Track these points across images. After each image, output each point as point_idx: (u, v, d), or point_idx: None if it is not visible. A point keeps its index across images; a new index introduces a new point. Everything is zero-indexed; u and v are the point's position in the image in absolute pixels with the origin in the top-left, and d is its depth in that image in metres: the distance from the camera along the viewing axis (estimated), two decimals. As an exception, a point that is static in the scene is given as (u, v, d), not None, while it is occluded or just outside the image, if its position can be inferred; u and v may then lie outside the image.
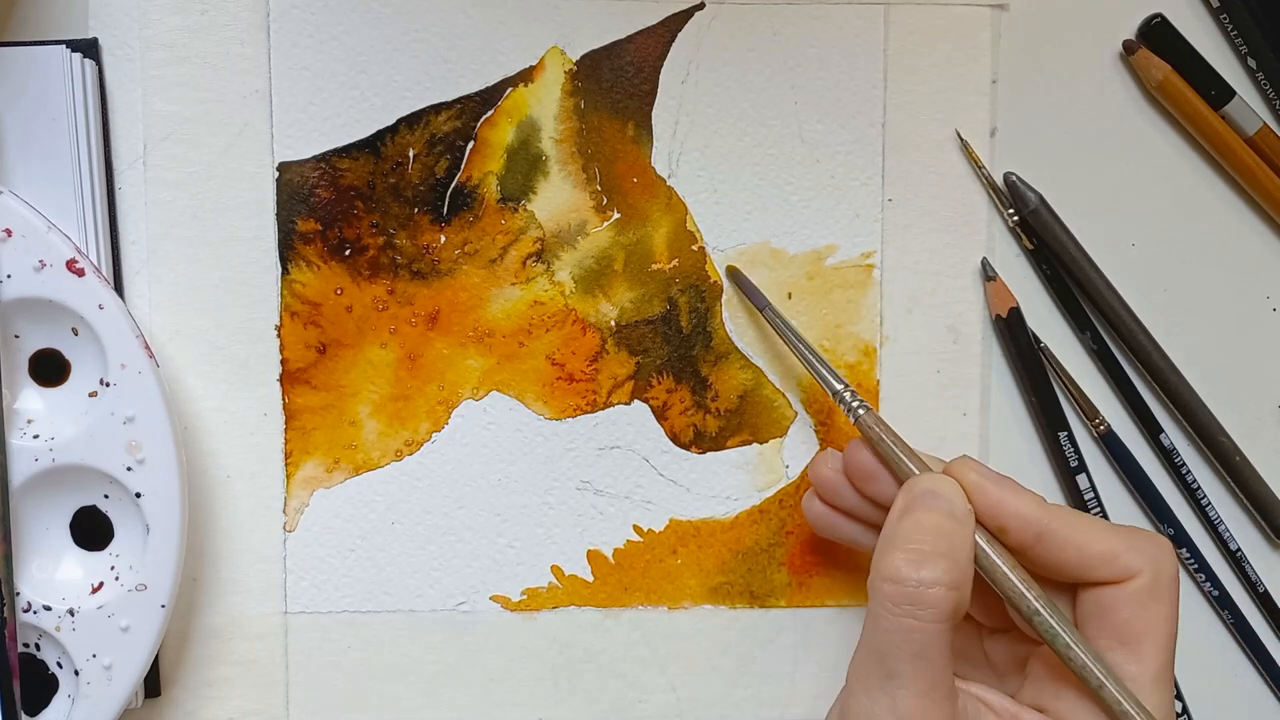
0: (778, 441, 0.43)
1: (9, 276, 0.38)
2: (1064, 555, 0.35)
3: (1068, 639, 0.34)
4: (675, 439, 0.43)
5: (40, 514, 0.40)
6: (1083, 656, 0.34)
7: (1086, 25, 0.43)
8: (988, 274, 0.43)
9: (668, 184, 0.43)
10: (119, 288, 0.41)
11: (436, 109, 0.42)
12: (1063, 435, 0.43)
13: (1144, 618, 0.35)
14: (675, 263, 0.43)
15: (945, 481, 0.36)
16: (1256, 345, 0.44)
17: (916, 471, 0.37)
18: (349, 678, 0.43)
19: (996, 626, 0.38)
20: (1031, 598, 0.35)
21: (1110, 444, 0.44)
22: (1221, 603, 0.44)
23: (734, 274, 0.42)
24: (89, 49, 0.40)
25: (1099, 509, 0.43)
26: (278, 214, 0.42)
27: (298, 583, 0.43)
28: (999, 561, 0.35)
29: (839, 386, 0.39)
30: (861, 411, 0.38)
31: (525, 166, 0.42)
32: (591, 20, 0.42)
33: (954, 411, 0.43)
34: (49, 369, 0.40)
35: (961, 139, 0.43)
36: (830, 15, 0.42)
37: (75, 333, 0.39)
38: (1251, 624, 0.44)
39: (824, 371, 0.39)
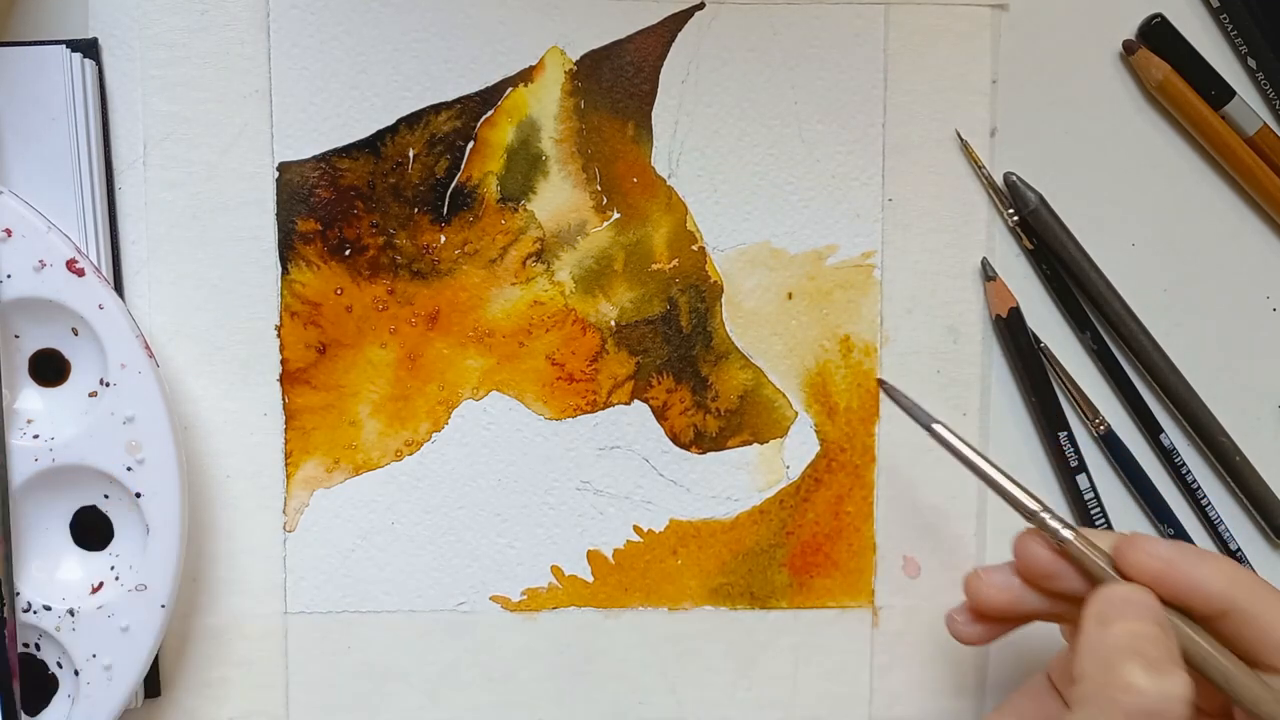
0: (778, 442, 0.43)
1: (9, 276, 0.38)
2: (1248, 635, 0.34)
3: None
4: (675, 439, 0.43)
5: (40, 514, 0.40)
6: None
7: (1086, 25, 0.43)
8: (988, 274, 0.43)
9: (668, 184, 0.43)
10: (119, 288, 0.41)
11: (436, 109, 0.42)
12: (1063, 435, 0.43)
13: None
14: (675, 263, 0.43)
15: (1140, 590, 0.35)
16: (1256, 345, 0.44)
17: (1114, 575, 0.35)
18: (349, 678, 0.43)
19: (1213, 712, 0.37)
20: (1255, 685, 0.33)
21: (1110, 444, 0.44)
22: (1222, 603, 0.44)
23: (885, 387, 0.41)
24: (89, 49, 0.40)
25: (1099, 509, 0.43)
26: (278, 214, 0.42)
27: (298, 583, 0.43)
28: (1213, 651, 0.34)
29: (1035, 507, 0.36)
30: (1069, 535, 0.36)
31: (525, 166, 0.42)
32: (591, 20, 0.42)
33: (954, 411, 0.43)
34: (49, 369, 0.40)
35: (961, 139, 0.43)
36: (830, 15, 0.42)
37: (75, 333, 0.39)
38: (1252, 624, 0.44)
39: (1017, 494, 0.37)
